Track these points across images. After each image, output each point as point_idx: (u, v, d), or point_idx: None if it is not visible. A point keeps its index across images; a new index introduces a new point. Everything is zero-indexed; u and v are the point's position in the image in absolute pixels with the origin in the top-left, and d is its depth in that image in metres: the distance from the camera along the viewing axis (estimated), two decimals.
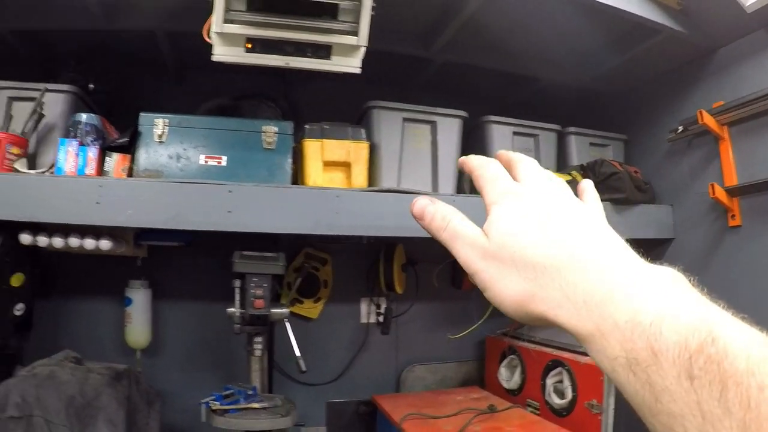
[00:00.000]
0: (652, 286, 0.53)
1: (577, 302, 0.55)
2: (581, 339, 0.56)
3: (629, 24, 2.68)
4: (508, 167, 0.76)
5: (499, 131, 3.07)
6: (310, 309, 3.33)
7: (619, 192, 2.86)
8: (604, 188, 2.90)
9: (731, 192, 2.68)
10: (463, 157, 0.81)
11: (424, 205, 0.74)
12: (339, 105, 2.95)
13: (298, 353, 2.56)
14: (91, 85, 2.71)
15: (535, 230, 0.62)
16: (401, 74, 3.43)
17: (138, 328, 2.85)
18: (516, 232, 0.63)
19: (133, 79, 3.14)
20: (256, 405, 2.36)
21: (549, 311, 0.58)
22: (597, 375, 2.55)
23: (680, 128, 2.91)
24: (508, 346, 3.28)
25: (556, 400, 2.79)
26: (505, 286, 0.62)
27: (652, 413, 0.48)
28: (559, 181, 0.72)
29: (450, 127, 2.89)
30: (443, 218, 0.71)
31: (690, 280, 0.55)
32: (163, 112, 2.47)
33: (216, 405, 2.29)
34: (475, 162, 0.77)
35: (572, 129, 3.30)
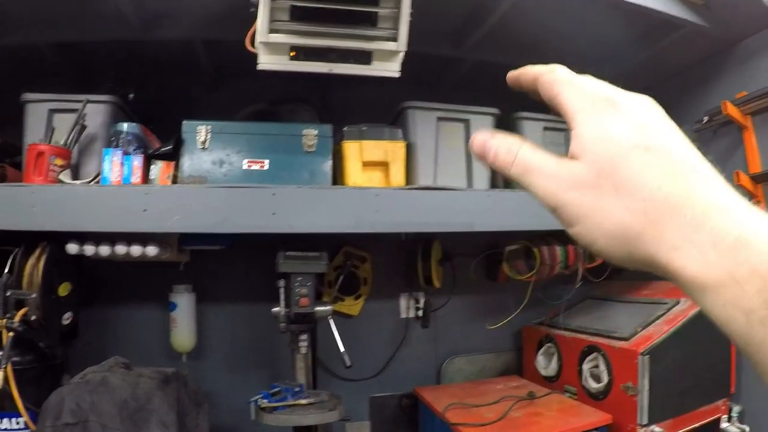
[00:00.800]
0: None
1: (703, 244, 0.48)
2: (703, 288, 0.49)
3: (654, 19, 2.72)
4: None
5: (530, 126, 3.09)
6: (351, 306, 3.38)
7: None
8: None
9: (755, 179, 2.73)
10: (517, 70, 0.69)
11: (483, 140, 0.64)
12: (373, 106, 2.98)
13: (342, 349, 2.60)
14: (131, 95, 2.75)
15: (643, 152, 0.53)
16: (434, 74, 3.49)
17: (183, 332, 2.91)
18: (620, 153, 0.54)
19: (171, 87, 3.18)
20: (303, 401, 2.40)
21: (661, 253, 0.51)
22: (631, 358, 2.60)
23: (705, 119, 2.96)
24: (544, 335, 3.31)
25: (593, 385, 2.83)
26: (604, 218, 0.54)
27: None
28: (651, 101, 0.60)
29: (483, 125, 2.90)
30: (508, 151, 0.61)
31: None
32: (201, 119, 2.52)
33: (264, 403, 2.34)
34: (538, 67, 0.66)
35: None
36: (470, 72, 3.35)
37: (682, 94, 3.28)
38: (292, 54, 2.08)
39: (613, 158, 0.54)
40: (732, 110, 2.77)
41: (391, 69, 2.16)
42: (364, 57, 2.13)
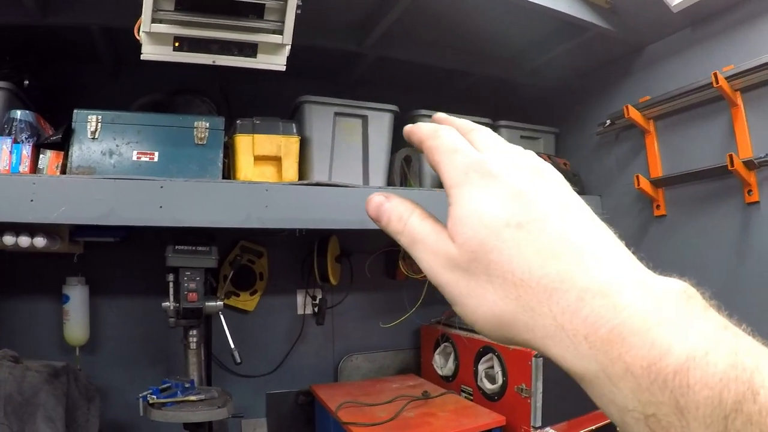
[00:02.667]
0: (669, 317, 0.42)
1: (575, 335, 0.44)
2: (580, 380, 0.46)
3: (559, 21, 2.75)
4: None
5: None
6: (247, 301, 3.35)
7: None
8: None
9: (656, 183, 2.79)
10: (410, 126, 0.64)
11: (378, 203, 0.61)
12: (275, 100, 2.97)
13: (232, 345, 2.58)
14: (26, 81, 2.69)
15: (515, 230, 0.49)
16: (336, 69, 3.48)
17: (76, 325, 2.84)
18: (490, 234, 0.50)
19: (69, 74, 3.13)
20: (192, 397, 2.37)
21: (536, 341, 0.48)
22: (525, 360, 2.62)
23: (608, 122, 3.01)
24: (441, 334, 3.34)
25: (488, 386, 2.85)
26: (479, 304, 0.51)
27: None
28: (532, 154, 0.57)
29: (381, 121, 2.93)
30: (399, 218, 0.58)
31: (702, 293, 0.46)
32: (100, 108, 2.47)
33: (153, 399, 2.30)
34: (424, 130, 0.60)
35: (503, 122, 3.36)
36: (372, 67, 3.35)
37: (586, 97, 3.34)
38: (175, 45, 2.05)
39: (483, 241, 0.50)
40: (634, 114, 2.81)
41: (277, 62, 2.14)
42: (250, 49, 2.10)
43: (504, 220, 0.50)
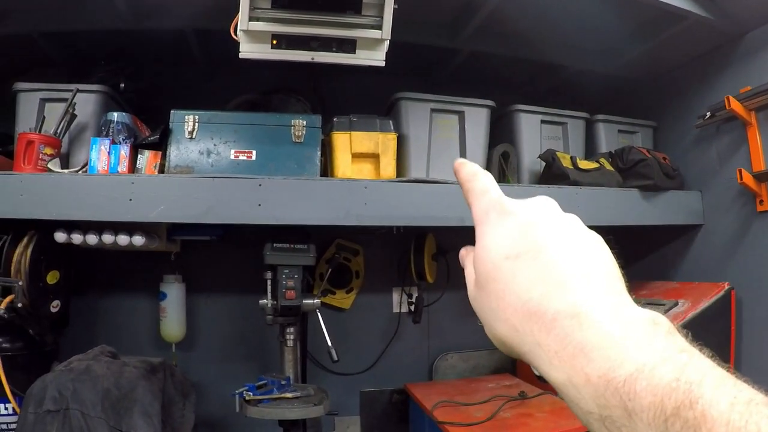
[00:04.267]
0: (629, 336, 0.49)
1: (548, 350, 0.53)
2: (555, 387, 0.54)
3: (655, 10, 2.65)
4: None
5: (527, 120, 3.08)
6: (343, 300, 3.37)
7: (647, 179, 2.85)
8: (632, 175, 2.91)
9: (759, 177, 2.67)
10: (459, 161, 0.75)
11: (462, 255, 0.73)
12: (369, 97, 2.95)
13: (329, 343, 2.58)
14: (122, 84, 2.74)
15: (513, 261, 0.59)
16: (429, 65, 3.45)
17: (173, 322, 2.90)
18: (494, 265, 0.61)
19: (164, 77, 3.17)
20: (288, 395, 2.38)
21: (524, 355, 0.58)
22: None
23: (708, 114, 2.90)
24: None
25: None
26: (489, 325, 0.62)
27: None
28: (547, 199, 0.67)
29: (477, 117, 2.89)
30: (463, 263, 0.72)
31: (675, 326, 0.52)
32: (195, 109, 2.50)
33: (249, 395, 2.31)
34: (466, 172, 0.73)
35: (600, 116, 3.30)
36: (466, 63, 3.31)
37: (684, 89, 3.21)
38: (273, 42, 2.05)
39: (488, 271, 0.62)
40: (735, 105, 2.70)
41: (376, 58, 2.12)
42: (348, 45, 2.08)
43: (505, 253, 0.61)
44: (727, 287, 2.77)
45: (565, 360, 0.51)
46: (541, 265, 0.57)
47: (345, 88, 3.20)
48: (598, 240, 0.62)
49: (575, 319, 0.52)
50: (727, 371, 0.46)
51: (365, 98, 2.95)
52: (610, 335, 0.50)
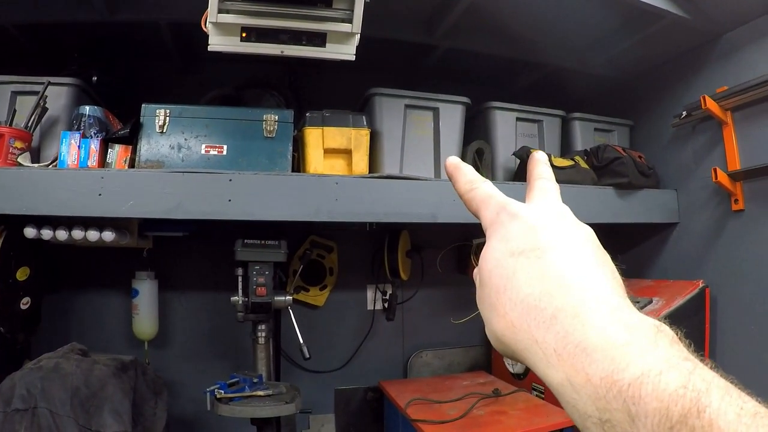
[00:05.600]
0: (634, 341, 0.48)
1: (546, 349, 0.52)
2: (551, 388, 0.52)
3: (633, 9, 2.66)
4: None
5: (503, 117, 3.08)
6: (316, 296, 3.35)
7: (622, 177, 2.86)
8: (607, 173, 2.92)
9: (734, 176, 2.68)
10: (452, 162, 0.76)
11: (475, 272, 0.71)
12: (347, 92, 2.95)
13: (301, 340, 2.56)
14: (95, 78, 2.71)
15: (516, 258, 0.59)
16: (406, 61, 3.44)
17: (145, 320, 2.86)
18: (495, 264, 0.61)
19: (137, 70, 3.15)
20: (260, 392, 2.36)
21: (519, 353, 0.56)
22: None
23: (684, 113, 2.91)
24: None
25: None
26: (489, 323, 0.61)
27: None
28: (563, 207, 0.67)
29: (452, 114, 2.89)
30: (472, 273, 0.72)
31: (677, 333, 0.51)
32: (169, 103, 2.48)
33: (221, 393, 2.30)
34: (463, 182, 0.73)
35: (577, 114, 3.31)
36: (444, 60, 3.30)
37: (661, 88, 3.23)
38: (243, 35, 2.03)
39: (491, 268, 0.61)
40: (711, 105, 2.70)
41: (347, 52, 2.10)
42: (318, 39, 2.06)
43: (510, 250, 0.61)
44: (701, 285, 2.80)
45: (564, 359, 0.50)
46: (545, 264, 0.57)
47: (323, 84, 3.19)
48: (605, 253, 0.61)
49: (577, 319, 0.51)
50: (730, 382, 0.45)
51: (344, 93, 2.95)
52: (613, 338, 0.48)
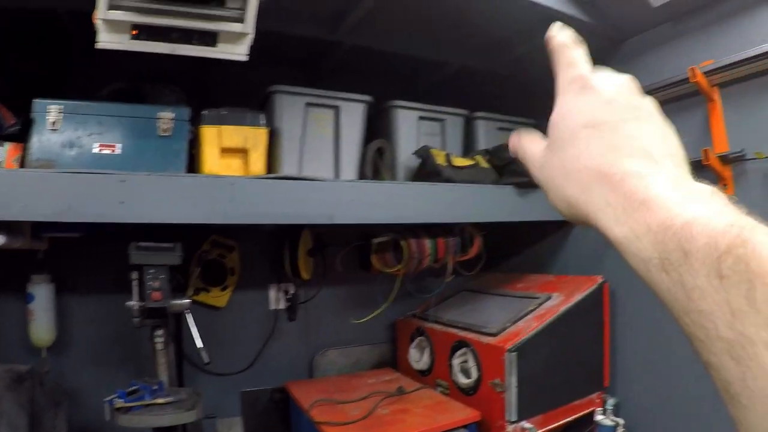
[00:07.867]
0: (688, 196, 0.54)
1: (616, 207, 0.57)
2: (617, 243, 0.57)
3: (537, 12, 2.71)
4: None
5: (405, 115, 3.10)
6: (218, 297, 3.29)
7: (521, 176, 2.88)
8: (507, 172, 2.96)
9: None
10: (556, 28, 0.76)
11: (515, 142, 0.78)
12: (252, 89, 2.91)
13: (200, 344, 2.51)
14: None
15: (591, 130, 0.64)
16: (310, 58, 3.42)
17: (42, 326, 2.75)
18: (571, 133, 0.65)
19: (37, 61, 3.03)
20: (160, 400, 2.31)
21: (591, 215, 0.61)
22: (498, 355, 2.60)
23: None
24: (416, 328, 3.33)
25: (463, 380, 2.84)
26: (557, 190, 0.66)
27: (684, 311, 0.50)
28: (631, 80, 0.69)
29: (353, 112, 2.90)
30: (521, 146, 0.76)
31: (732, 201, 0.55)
32: (69, 98, 2.39)
33: (120, 403, 2.24)
34: (557, 43, 0.74)
35: (480, 113, 3.35)
36: (348, 57, 3.29)
37: None
38: (133, 33, 1.98)
39: (565, 138, 0.66)
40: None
41: (238, 52, 2.07)
42: (209, 38, 2.03)
43: (584, 122, 0.64)
44: (600, 281, 2.90)
45: (629, 213, 0.56)
46: (618, 137, 0.62)
47: (229, 79, 3.09)
48: (670, 128, 0.66)
49: (641, 180, 0.57)
50: None
51: (248, 90, 2.90)
52: (672, 196, 0.54)
